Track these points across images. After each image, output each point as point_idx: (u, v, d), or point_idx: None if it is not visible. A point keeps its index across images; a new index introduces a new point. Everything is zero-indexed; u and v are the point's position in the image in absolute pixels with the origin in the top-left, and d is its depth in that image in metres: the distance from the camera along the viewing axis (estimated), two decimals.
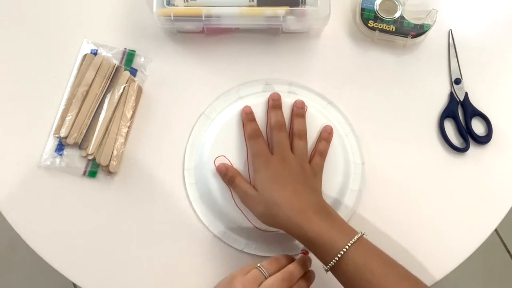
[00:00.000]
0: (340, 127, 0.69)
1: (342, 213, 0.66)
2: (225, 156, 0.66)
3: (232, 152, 0.66)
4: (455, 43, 0.74)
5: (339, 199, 0.67)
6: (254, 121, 0.66)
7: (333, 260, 0.56)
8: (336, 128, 0.68)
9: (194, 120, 0.70)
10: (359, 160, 0.69)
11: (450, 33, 0.74)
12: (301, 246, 0.64)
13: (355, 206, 0.68)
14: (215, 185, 0.65)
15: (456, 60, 0.73)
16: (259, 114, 0.67)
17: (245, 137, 0.66)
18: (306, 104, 0.68)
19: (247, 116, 0.66)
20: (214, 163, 0.65)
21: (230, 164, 0.65)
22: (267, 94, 0.68)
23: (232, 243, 0.67)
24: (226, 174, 0.65)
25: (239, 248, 0.66)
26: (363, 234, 0.58)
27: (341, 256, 0.56)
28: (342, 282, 0.58)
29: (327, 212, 0.60)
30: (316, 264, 0.60)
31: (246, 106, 0.67)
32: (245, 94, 0.70)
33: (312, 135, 0.67)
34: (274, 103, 0.67)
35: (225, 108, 0.69)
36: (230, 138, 0.66)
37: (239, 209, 0.65)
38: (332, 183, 0.66)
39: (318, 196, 0.63)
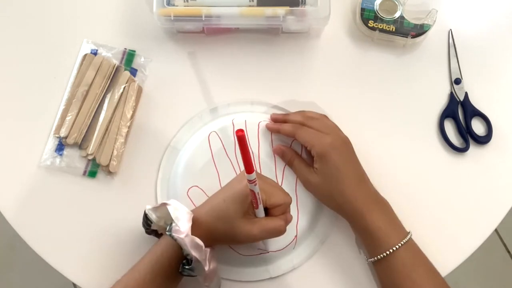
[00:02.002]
0: None
1: (325, 223, 0.66)
2: (198, 186, 0.65)
3: (205, 181, 0.65)
4: (455, 43, 0.74)
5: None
6: (284, 122, 0.67)
7: (381, 255, 0.59)
8: None
9: (189, 122, 0.70)
10: None
11: (450, 33, 0.74)
12: (283, 267, 0.65)
13: (336, 215, 0.66)
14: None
15: (456, 60, 0.72)
16: (226, 139, 0.66)
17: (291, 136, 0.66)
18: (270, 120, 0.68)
19: (275, 125, 0.67)
20: (188, 195, 0.65)
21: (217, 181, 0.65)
22: (231, 117, 0.68)
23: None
24: (283, 157, 0.66)
25: (223, 277, 0.64)
26: (411, 234, 0.61)
27: (390, 253, 0.58)
28: (382, 276, 0.61)
29: (384, 204, 0.62)
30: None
31: (267, 123, 0.67)
32: (209, 119, 0.69)
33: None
34: (281, 116, 0.67)
35: (190, 137, 0.68)
36: (199, 166, 0.66)
37: None
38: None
39: (370, 183, 0.64)
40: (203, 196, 0.64)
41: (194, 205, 0.64)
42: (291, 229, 0.64)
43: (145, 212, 0.59)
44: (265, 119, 0.68)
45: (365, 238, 0.62)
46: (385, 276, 0.61)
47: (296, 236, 0.64)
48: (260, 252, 0.63)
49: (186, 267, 0.56)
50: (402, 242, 0.59)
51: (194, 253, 0.55)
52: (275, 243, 0.64)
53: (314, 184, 0.63)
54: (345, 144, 0.64)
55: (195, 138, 0.68)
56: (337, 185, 0.61)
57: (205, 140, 0.67)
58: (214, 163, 0.66)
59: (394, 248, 0.59)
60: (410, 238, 0.60)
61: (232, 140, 0.66)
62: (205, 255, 0.56)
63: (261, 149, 0.66)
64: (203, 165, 0.66)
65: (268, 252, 0.64)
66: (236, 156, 0.66)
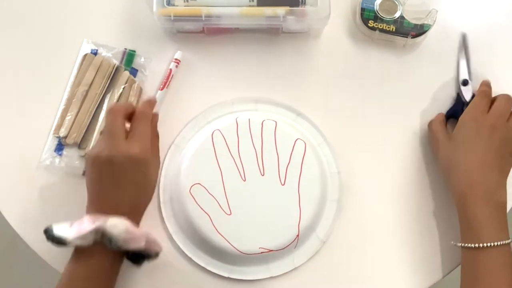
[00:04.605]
0: (313, 138, 0.69)
1: (327, 223, 0.67)
2: (200, 184, 0.65)
3: (207, 179, 0.65)
4: (455, 42, 0.73)
5: (320, 210, 0.66)
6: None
7: (473, 245, 0.58)
8: (308, 139, 0.68)
9: (193, 120, 0.70)
10: (335, 169, 0.69)
11: (463, 37, 0.73)
12: (284, 266, 0.65)
13: (337, 215, 0.67)
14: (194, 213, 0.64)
15: (465, 61, 0.72)
16: (229, 137, 0.66)
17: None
18: (274, 120, 0.67)
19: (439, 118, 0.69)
20: (190, 192, 0.65)
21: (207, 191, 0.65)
22: (234, 115, 0.68)
23: (218, 271, 0.65)
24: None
25: (225, 275, 0.65)
26: (511, 240, 0.59)
27: (481, 247, 0.57)
28: (467, 264, 0.60)
29: (495, 202, 0.60)
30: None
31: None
32: (213, 118, 0.70)
33: (285, 150, 0.66)
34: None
35: (194, 135, 0.69)
36: (203, 164, 0.66)
37: (221, 235, 0.64)
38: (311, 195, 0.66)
39: (498, 180, 0.62)
40: (206, 194, 0.64)
41: (197, 203, 0.64)
42: (292, 229, 0.64)
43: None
44: (269, 117, 0.68)
45: (462, 222, 0.61)
46: (469, 265, 0.59)
47: (297, 235, 0.64)
48: (262, 251, 0.64)
49: (144, 260, 0.59)
50: (498, 243, 0.57)
51: (151, 247, 0.58)
52: (276, 242, 0.64)
53: (441, 142, 0.66)
54: (494, 127, 0.63)
55: (199, 136, 0.68)
56: (460, 155, 0.63)
57: (208, 138, 0.67)
58: (217, 161, 0.66)
59: (488, 244, 0.57)
60: (509, 244, 0.58)
61: (236, 138, 0.66)
62: (148, 237, 0.58)
63: (264, 148, 0.66)
64: (206, 163, 0.66)
65: (270, 251, 0.64)
66: (239, 154, 0.66)
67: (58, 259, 0.66)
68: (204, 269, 0.66)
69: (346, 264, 0.66)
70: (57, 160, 0.68)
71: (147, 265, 0.60)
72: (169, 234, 0.66)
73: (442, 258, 0.67)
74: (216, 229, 0.64)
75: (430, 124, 0.69)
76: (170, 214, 0.67)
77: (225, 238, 0.64)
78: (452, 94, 0.72)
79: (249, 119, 0.67)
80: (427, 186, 0.69)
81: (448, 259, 0.67)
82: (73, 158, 0.68)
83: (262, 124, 0.67)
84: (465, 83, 0.70)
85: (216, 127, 0.67)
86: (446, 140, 0.65)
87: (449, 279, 0.66)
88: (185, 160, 0.66)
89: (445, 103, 0.72)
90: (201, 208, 0.64)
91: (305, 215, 0.65)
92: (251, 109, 0.70)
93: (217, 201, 0.65)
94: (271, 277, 0.65)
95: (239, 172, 0.66)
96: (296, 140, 0.67)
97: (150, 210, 0.67)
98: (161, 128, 0.70)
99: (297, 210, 0.65)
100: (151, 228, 0.67)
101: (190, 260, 0.66)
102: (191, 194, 0.65)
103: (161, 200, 0.67)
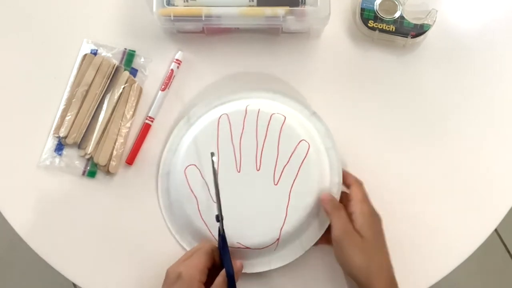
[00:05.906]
0: (321, 140, 0.66)
1: (313, 233, 0.65)
2: (196, 166, 0.65)
3: (204, 162, 0.65)
4: (455, 42, 0.73)
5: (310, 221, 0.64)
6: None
7: None
8: (314, 141, 0.65)
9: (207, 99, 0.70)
10: (337, 179, 0.66)
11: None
12: (259, 266, 0.64)
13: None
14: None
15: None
16: (235, 124, 0.65)
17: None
18: (286, 114, 0.66)
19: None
20: (185, 172, 0.64)
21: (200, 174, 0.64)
22: (248, 102, 0.67)
23: None
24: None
25: None
26: None
27: None
28: None
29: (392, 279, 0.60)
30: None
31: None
32: (227, 100, 0.68)
33: (287, 148, 0.64)
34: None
35: (205, 113, 0.68)
36: (203, 147, 0.65)
37: (203, 221, 0.63)
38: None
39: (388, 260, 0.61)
40: (199, 177, 0.64)
41: (189, 184, 0.64)
42: (274, 231, 0.62)
43: None
44: (279, 111, 0.66)
45: None
46: None
47: (278, 239, 0.62)
48: (239, 246, 0.62)
49: None
50: None
51: None
52: (255, 241, 0.62)
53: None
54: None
55: (207, 116, 0.67)
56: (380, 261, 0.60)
57: (214, 121, 0.66)
58: (218, 147, 0.65)
59: None
60: None
61: (241, 127, 0.65)
62: None
63: (266, 142, 0.65)
64: (207, 146, 0.65)
65: (246, 248, 0.62)
66: (240, 144, 0.65)
67: (58, 260, 0.66)
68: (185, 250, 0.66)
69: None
70: (57, 160, 0.68)
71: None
72: (160, 208, 0.67)
73: (441, 259, 0.67)
74: (200, 214, 0.63)
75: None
76: (164, 188, 0.67)
77: (206, 225, 0.63)
78: (452, 94, 0.72)
79: (259, 109, 0.66)
80: (429, 185, 0.69)
81: (447, 259, 0.67)
82: (73, 158, 0.68)
83: (270, 117, 0.65)
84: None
85: (225, 110, 0.66)
86: (358, 242, 0.60)
87: (449, 279, 0.66)
88: (188, 139, 0.66)
89: (445, 103, 0.72)
90: (191, 190, 0.64)
91: (290, 221, 0.62)
92: (268, 97, 0.68)
93: (207, 186, 0.64)
94: (243, 273, 0.63)
95: (236, 162, 0.64)
96: (301, 141, 0.65)
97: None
98: (161, 129, 0.70)
99: (283, 214, 0.63)
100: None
101: (174, 238, 0.66)
102: (185, 174, 0.64)
103: (160, 173, 0.68)
